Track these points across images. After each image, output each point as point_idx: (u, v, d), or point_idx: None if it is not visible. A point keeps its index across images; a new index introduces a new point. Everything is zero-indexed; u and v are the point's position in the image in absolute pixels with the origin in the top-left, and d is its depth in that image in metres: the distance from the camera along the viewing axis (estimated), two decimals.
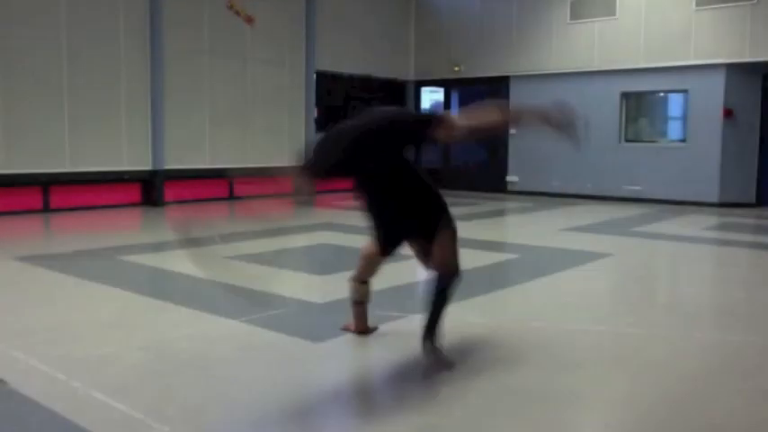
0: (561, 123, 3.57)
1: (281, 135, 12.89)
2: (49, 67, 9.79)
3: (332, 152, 3.49)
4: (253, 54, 12.29)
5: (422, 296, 3.69)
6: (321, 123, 13.55)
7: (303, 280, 5.81)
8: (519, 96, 14.00)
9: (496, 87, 14.37)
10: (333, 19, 13.61)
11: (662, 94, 13.01)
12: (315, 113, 13.43)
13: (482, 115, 3.54)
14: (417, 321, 3.69)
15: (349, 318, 3.92)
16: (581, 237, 8.18)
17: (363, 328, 3.87)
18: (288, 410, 2.98)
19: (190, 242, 3.38)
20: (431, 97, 16.07)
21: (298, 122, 13.16)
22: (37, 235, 8.48)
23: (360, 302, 3.83)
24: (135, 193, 11.02)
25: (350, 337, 3.90)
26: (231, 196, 12.22)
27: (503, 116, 3.69)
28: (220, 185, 12.11)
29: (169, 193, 11.14)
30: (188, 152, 11.44)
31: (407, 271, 5.25)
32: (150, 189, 10.98)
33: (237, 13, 11.94)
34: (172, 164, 11.14)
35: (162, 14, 10.83)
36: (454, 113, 3.57)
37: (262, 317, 4.33)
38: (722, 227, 9.38)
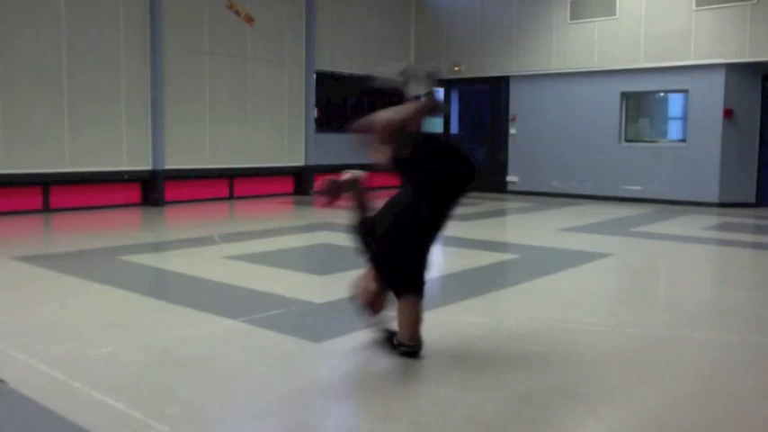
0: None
1: (281, 135, 12.90)
2: (49, 67, 9.79)
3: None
4: (253, 54, 12.29)
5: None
6: (321, 123, 13.57)
7: (303, 280, 5.81)
8: (519, 96, 14.02)
9: (496, 87, 14.39)
10: (333, 19, 13.61)
11: (662, 94, 13.01)
12: (315, 113, 13.43)
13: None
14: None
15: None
16: (581, 237, 8.18)
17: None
18: (288, 410, 2.98)
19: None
20: None
21: (298, 122, 13.16)
22: (37, 235, 8.48)
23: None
24: (135, 193, 11.02)
25: (349, 337, 3.89)
26: (231, 196, 12.24)
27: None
28: (220, 185, 12.13)
29: (169, 193, 11.15)
30: (188, 152, 11.44)
31: None
32: (150, 189, 10.98)
33: (237, 12, 11.94)
34: (172, 164, 11.14)
35: (162, 14, 10.83)
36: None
37: (262, 317, 4.33)
38: (722, 227, 9.38)
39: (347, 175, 3.74)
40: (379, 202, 3.74)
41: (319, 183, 3.82)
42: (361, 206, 3.76)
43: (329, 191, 3.76)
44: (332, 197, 3.78)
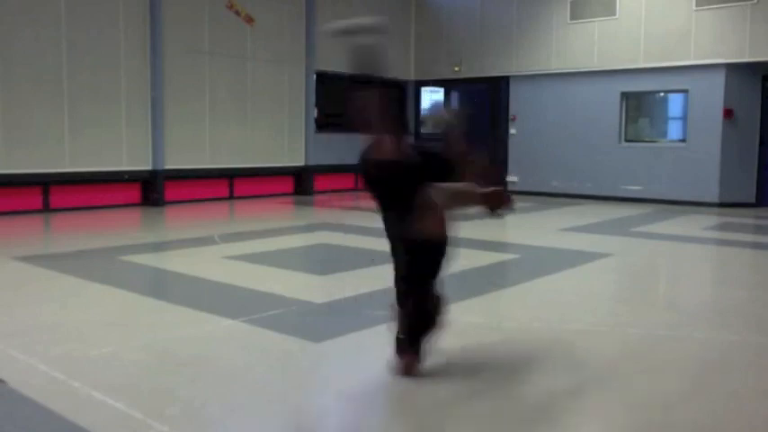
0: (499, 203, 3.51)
1: (281, 135, 12.90)
2: (49, 67, 9.79)
3: None
4: (253, 54, 12.29)
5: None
6: (321, 123, 13.57)
7: (303, 280, 5.81)
8: (519, 96, 14.02)
9: (496, 87, 14.39)
10: (333, 19, 13.57)
11: (662, 94, 13.01)
12: (315, 113, 13.44)
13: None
14: None
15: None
16: (581, 237, 8.18)
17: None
18: (288, 410, 2.98)
19: None
20: (431, 97, 16.08)
21: (298, 122, 13.16)
22: (37, 235, 8.48)
23: None
24: (135, 193, 11.02)
25: (349, 337, 3.90)
26: (231, 196, 12.24)
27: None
28: (220, 185, 12.13)
29: (169, 193, 11.15)
30: (188, 152, 11.44)
31: None
32: (150, 189, 10.97)
33: (237, 12, 11.94)
34: (172, 164, 11.14)
35: (162, 14, 10.83)
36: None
37: (262, 317, 4.33)
38: (722, 227, 9.37)
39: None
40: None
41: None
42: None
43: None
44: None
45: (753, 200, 11.87)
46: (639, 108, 13.17)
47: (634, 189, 12.60)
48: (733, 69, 11.56)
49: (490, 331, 4.13)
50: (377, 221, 3.52)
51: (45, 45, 9.73)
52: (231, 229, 8.73)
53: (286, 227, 9.17)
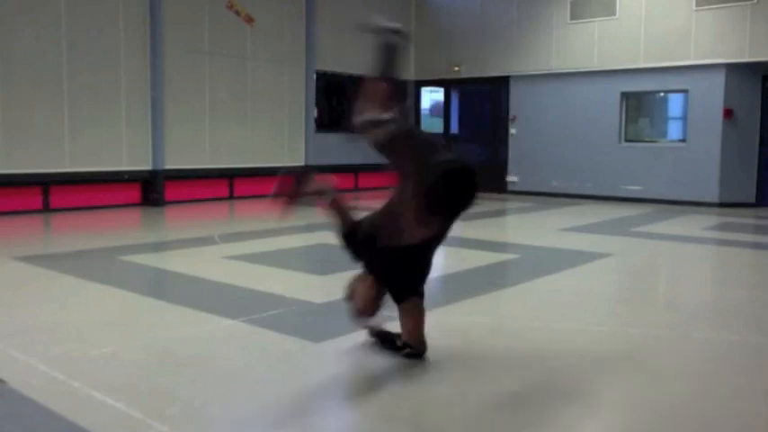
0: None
1: (281, 135, 12.90)
2: (49, 67, 9.79)
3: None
4: (253, 54, 12.29)
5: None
6: (321, 123, 13.57)
7: (303, 280, 5.81)
8: (519, 96, 14.02)
9: (497, 87, 14.39)
10: (332, 19, 13.61)
11: (662, 94, 13.01)
12: (315, 113, 13.43)
13: None
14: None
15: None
16: (581, 237, 8.18)
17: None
18: (288, 410, 2.98)
19: None
20: (431, 97, 16.08)
21: (298, 122, 13.16)
22: (37, 235, 8.48)
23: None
24: (135, 193, 11.02)
25: (350, 337, 3.89)
26: (231, 196, 12.24)
27: None
28: (220, 185, 12.13)
29: (169, 193, 11.15)
30: (188, 152, 11.44)
31: None
32: (150, 189, 10.97)
33: (237, 12, 11.94)
34: (172, 164, 11.14)
35: (162, 14, 10.83)
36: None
37: (262, 317, 4.33)
38: (722, 227, 9.38)
39: (315, 186, 3.71)
40: (363, 206, 3.72)
41: (279, 184, 3.77)
42: (343, 215, 3.71)
43: (290, 193, 3.73)
44: (291, 199, 3.76)
45: (753, 200, 11.87)
46: (639, 108, 13.17)
47: (634, 189, 12.60)
48: (733, 69, 11.56)
49: (490, 331, 4.13)
50: None
51: (45, 45, 9.73)
52: (231, 229, 8.74)
53: (286, 227, 9.15)
